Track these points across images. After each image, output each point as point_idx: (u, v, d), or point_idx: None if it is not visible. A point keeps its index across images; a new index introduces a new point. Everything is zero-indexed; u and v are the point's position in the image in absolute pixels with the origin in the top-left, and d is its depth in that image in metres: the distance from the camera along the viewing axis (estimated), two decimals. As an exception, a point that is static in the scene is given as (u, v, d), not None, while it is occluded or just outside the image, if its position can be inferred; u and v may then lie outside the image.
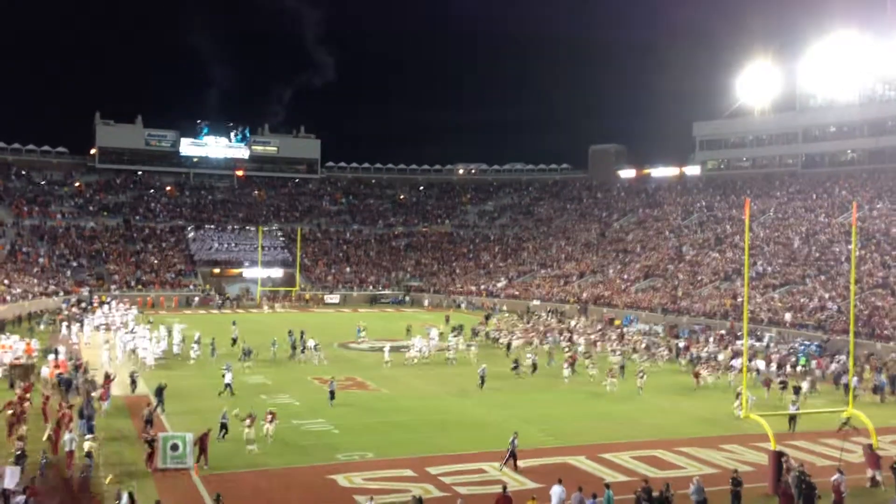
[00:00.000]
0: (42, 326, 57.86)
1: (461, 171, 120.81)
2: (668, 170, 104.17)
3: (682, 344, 50.75)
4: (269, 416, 27.30)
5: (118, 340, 46.60)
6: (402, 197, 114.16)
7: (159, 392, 31.41)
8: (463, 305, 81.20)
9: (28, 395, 30.17)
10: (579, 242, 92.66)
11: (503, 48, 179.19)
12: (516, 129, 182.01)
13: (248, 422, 26.79)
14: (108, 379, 33.48)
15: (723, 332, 54.34)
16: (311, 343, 46.85)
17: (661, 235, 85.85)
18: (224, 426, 27.05)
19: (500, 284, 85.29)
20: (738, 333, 51.25)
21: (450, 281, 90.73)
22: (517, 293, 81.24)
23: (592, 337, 54.49)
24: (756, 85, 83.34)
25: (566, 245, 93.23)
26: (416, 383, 39.60)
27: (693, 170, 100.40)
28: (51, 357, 38.92)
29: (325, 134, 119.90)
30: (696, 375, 39.93)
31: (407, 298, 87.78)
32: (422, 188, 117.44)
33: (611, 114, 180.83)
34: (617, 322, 63.66)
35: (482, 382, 37.70)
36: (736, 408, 31.57)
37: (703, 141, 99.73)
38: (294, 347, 47.19)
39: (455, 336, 51.87)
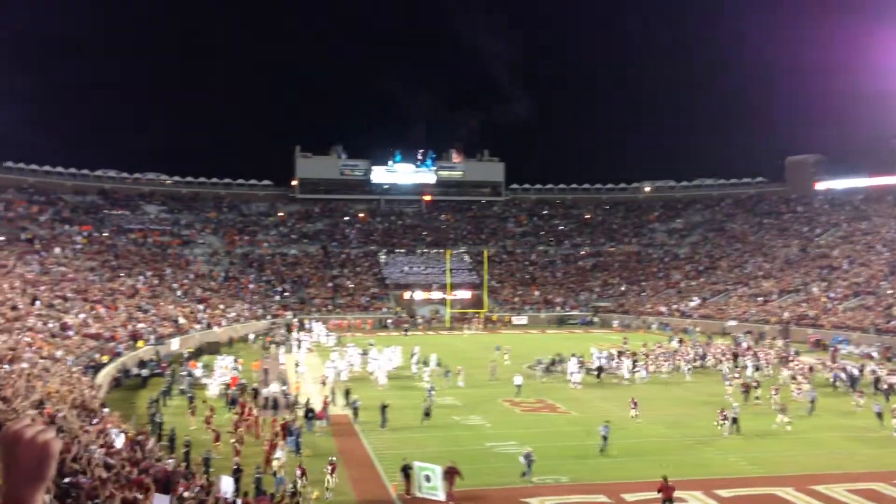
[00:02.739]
0: (267, 347, 61.60)
1: (648, 189, 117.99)
2: (875, 180, 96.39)
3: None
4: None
5: (334, 361, 48.57)
6: (587, 217, 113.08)
7: (383, 410, 32.95)
8: (654, 326, 78.95)
9: (254, 414, 32.56)
10: (778, 259, 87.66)
11: (685, 57, 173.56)
12: (704, 144, 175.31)
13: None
14: (325, 399, 35.42)
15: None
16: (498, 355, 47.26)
17: (873, 250, 79.50)
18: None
19: (692, 304, 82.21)
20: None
21: (639, 301, 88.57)
22: (711, 313, 77.93)
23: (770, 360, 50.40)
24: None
25: (763, 262, 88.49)
26: (605, 406, 38.81)
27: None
28: (218, 370, 42.35)
29: (509, 156, 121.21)
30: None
31: (595, 319, 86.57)
32: (607, 207, 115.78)
33: (807, 122, 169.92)
34: (823, 342, 59.44)
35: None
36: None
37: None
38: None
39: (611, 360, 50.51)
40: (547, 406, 38.74)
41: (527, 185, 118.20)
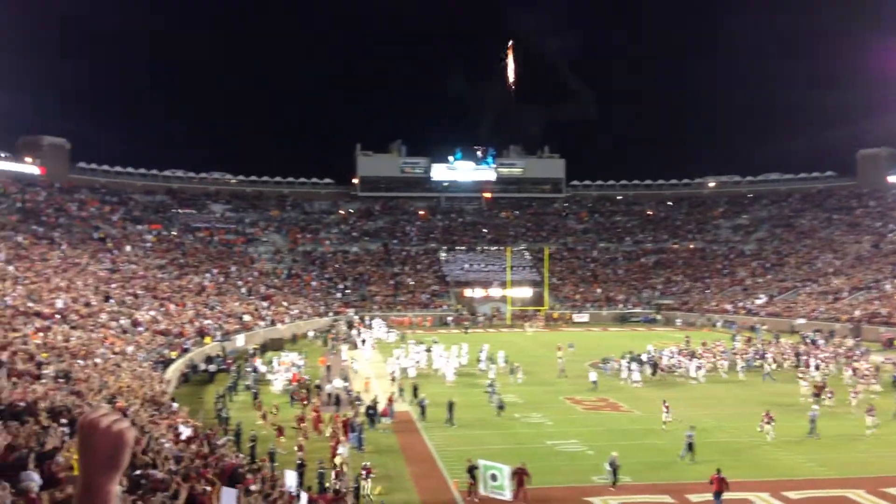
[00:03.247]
0: (329, 344, 62.49)
1: (712, 184, 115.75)
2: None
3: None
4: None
5: (398, 358, 48.93)
6: (649, 213, 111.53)
7: (450, 407, 33.10)
8: (719, 324, 77.44)
9: (318, 410, 33.08)
10: (849, 256, 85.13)
11: (749, 49, 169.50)
12: (771, 137, 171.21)
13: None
14: (390, 396, 35.75)
15: None
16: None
17: (950, 246, 76.63)
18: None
19: (759, 302, 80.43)
20: None
21: (703, 298, 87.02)
22: (779, 311, 76.11)
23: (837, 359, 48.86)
24: None
25: (834, 258, 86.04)
26: (672, 405, 38.16)
27: None
28: (282, 367, 42.93)
29: (569, 152, 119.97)
30: None
31: (658, 317, 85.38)
32: (670, 203, 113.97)
33: (880, 114, 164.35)
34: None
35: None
36: None
37: None
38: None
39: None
40: (609, 405, 38.38)
41: (587, 182, 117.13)
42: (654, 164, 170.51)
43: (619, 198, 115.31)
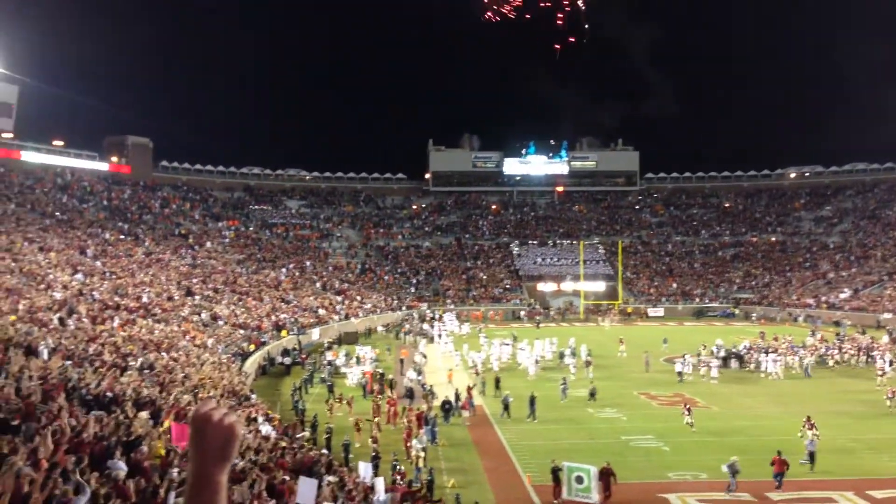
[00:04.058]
0: (398, 337, 63.19)
1: (793, 175, 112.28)
2: None
3: None
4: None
5: (479, 352, 49.00)
6: (727, 205, 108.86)
7: (531, 402, 33.04)
8: (800, 318, 75.15)
9: (395, 403, 33.48)
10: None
11: (830, 31, 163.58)
12: (855, 127, 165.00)
13: None
14: (469, 389, 35.88)
15: None
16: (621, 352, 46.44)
17: None
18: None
19: (842, 296, 77.76)
20: None
21: (784, 293, 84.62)
22: (864, 305, 73.45)
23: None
24: None
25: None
26: (748, 402, 37.39)
27: None
28: (356, 360, 43.49)
29: (644, 145, 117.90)
30: None
31: (736, 311, 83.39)
32: (749, 195, 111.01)
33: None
34: None
35: None
36: None
37: None
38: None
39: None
40: (685, 400, 37.65)
41: (662, 174, 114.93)
42: (731, 155, 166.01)
43: (695, 190, 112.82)
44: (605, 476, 22.02)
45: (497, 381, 39.19)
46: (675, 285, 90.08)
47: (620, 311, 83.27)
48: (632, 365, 47.59)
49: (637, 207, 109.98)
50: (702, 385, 41.43)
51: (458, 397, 34.39)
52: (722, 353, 48.16)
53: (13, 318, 27.70)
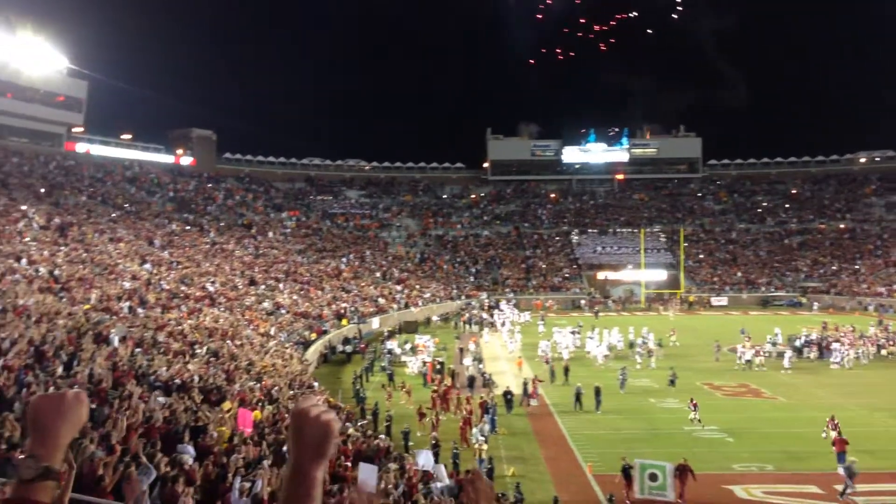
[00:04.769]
0: (457, 327, 63.32)
1: (863, 160, 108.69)
2: None
3: None
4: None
5: (548, 341, 48.76)
6: (793, 191, 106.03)
7: (597, 393, 32.75)
8: (871, 308, 72.92)
9: (456, 391, 33.64)
10: None
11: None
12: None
13: None
14: (535, 379, 35.77)
15: None
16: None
17: None
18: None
19: (916, 285, 75.21)
20: None
21: (853, 281, 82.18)
22: (939, 294, 70.97)
23: None
24: None
25: None
26: (818, 392, 36.48)
27: None
28: (416, 349, 43.57)
29: (706, 131, 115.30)
30: None
31: (804, 300, 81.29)
32: (817, 181, 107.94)
33: None
34: None
35: None
36: None
37: None
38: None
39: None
40: (751, 391, 37.02)
41: (726, 161, 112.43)
42: (797, 140, 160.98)
43: (760, 176, 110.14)
44: (682, 472, 21.10)
45: (566, 369, 39.02)
46: (739, 274, 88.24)
47: (682, 299, 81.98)
48: (696, 354, 46.92)
49: (699, 195, 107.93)
50: (768, 375, 40.57)
51: (526, 386, 34.27)
52: (797, 343, 47.27)
53: (87, 306, 28.62)
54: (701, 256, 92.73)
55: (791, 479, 22.72)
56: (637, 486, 20.93)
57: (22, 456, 2.00)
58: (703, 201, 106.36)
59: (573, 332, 51.64)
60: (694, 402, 30.67)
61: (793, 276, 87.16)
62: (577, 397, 32.86)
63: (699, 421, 29.52)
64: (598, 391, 32.70)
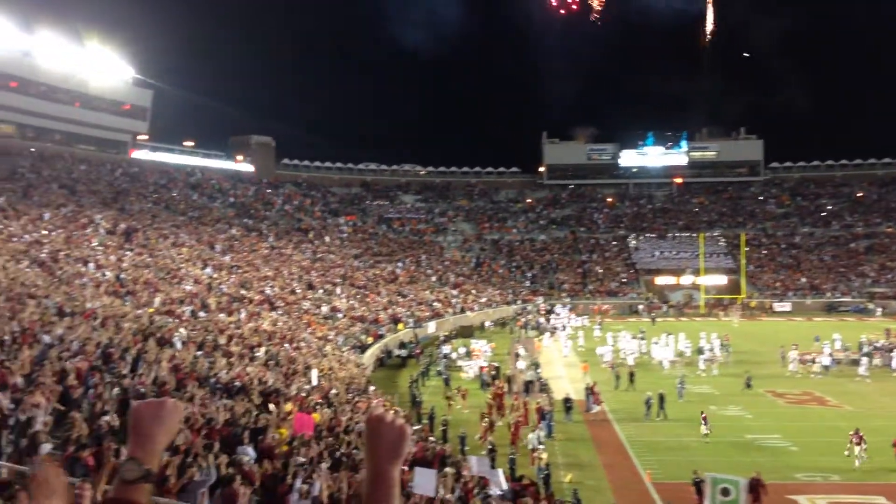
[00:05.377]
0: (512, 332, 63.02)
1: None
2: None
3: None
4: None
5: (610, 346, 48.81)
6: (860, 195, 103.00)
7: (661, 400, 32.31)
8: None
9: (519, 398, 33.50)
10: None
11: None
12: None
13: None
14: (593, 385, 35.31)
15: None
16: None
17: None
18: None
19: None
20: None
21: (924, 286, 79.49)
22: None
23: None
24: None
25: None
26: (884, 401, 35.33)
27: None
28: (473, 354, 43.45)
29: (768, 133, 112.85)
30: None
31: (871, 306, 78.89)
32: (884, 183, 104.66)
33: None
34: None
35: None
36: None
37: None
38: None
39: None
40: (815, 399, 36.09)
41: (788, 164, 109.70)
42: (863, 141, 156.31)
43: (824, 179, 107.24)
44: (755, 488, 20.35)
45: (631, 375, 38.55)
46: (803, 279, 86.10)
47: (743, 305, 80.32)
48: (758, 362, 45.74)
49: (761, 198, 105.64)
50: (833, 383, 39.48)
51: (589, 391, 33.91)
52: (866, 349, 45.86)
53: (151, 310, 29.34)
54: (763, 261, 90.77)
55: (857, 490, 22.11)
56: (708, 500, 19.93)
57: (124, 459, 2.12)
58: (765, 205, 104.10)
59: (635, 338, 50.97)
60: (704, 415, 29.22)
61: (859, 281, 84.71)
62: (648, 405, 32.23)
63: (706, 437, 28.19)
64: (661, 398, 32.20)
